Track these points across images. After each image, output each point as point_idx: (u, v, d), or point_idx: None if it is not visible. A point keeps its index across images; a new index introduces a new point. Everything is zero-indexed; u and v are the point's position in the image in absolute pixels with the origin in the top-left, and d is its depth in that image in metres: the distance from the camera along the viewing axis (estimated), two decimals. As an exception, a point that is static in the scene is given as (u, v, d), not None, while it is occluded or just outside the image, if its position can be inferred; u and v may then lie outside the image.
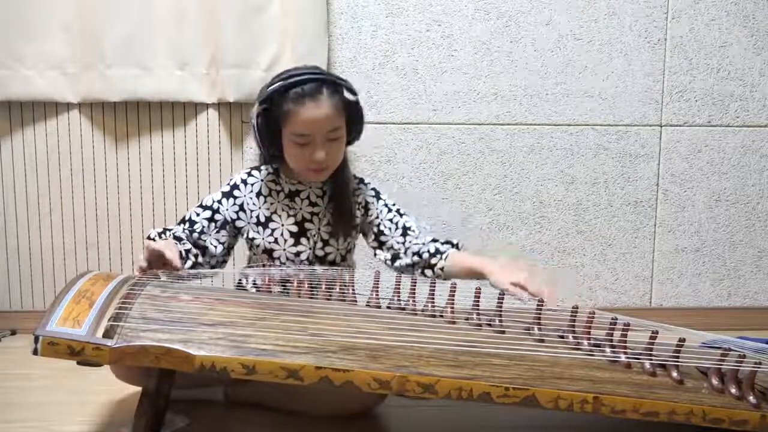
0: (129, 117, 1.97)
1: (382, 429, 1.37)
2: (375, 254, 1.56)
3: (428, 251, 1.48)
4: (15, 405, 1.45)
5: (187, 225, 1.47)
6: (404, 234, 1.52)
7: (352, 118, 1.45)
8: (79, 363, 1.00)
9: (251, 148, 1.98)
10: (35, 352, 0.98)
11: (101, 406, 1.44)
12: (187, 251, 1.40)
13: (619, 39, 2.03)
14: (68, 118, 1.96)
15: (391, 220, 1.54)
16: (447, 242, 1.50)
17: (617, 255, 2.12)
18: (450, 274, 1.47)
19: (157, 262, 1.29)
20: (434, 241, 1.51)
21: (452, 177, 2.05)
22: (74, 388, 1.53)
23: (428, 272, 1.49)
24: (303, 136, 1.39)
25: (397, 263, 1.52)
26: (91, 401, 1.45)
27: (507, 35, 2.01)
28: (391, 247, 1.53)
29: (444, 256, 1.46)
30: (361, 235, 1.60)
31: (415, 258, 1.49)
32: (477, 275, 1.41)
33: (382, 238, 1.54)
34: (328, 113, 1.38)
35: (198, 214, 1.48)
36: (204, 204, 1.50)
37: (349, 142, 1.50)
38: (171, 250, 1.29)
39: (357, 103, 1.45)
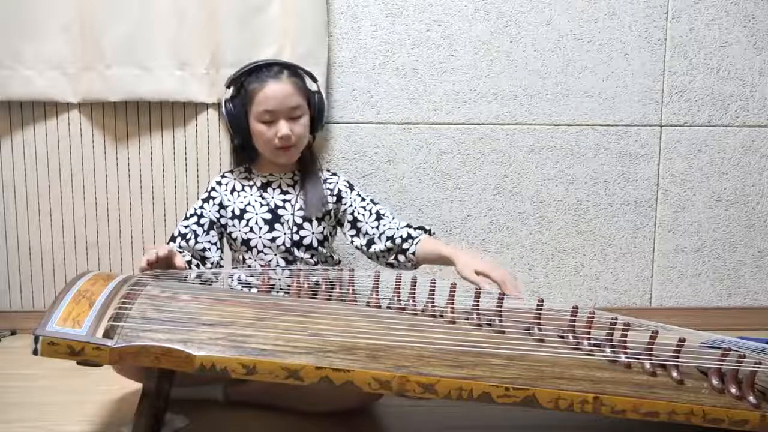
0: (129, 117, 1.97)
1: (382, 429, 1.37)
2: (352, 242, 1.62)
3: (401, 236, 1.54)
4: (15, 405, 1.45)
5: (179, 239, 1.53)
6: (378, 219, 1.59)
7: (312, 106, 1.57)
8: (79, 363, 1.00)
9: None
10: (35, 352, 0.98)
11: (101, 406, 1.44)
12: (188, 262, 1.47)
13: (619, 39, 2.03)
14: (68, 118, 1.96)
15: (364, 208, 1.61)
16: (420, 228, 1.57)
17: (617, 255, 2.11)
18: (421, 259, 1.54)
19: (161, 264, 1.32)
20: (408, 226, 1.57)
21: (452, 177, 2.05)
22: (74, 388, 1.53)
23: (401, 257, 1.56)
24: (268, 113, 1.50)
25: (372, 248, 1.58)
26: (91, 401, 1.45)
27: (507, 35, 2.01)
28: (366, 233, 1.59)
29: (416, 241, 1.53)
30: (338, 226, 1.65)
31: (389, 243, 1.55)
32: (445, 262, 1.46)
33: (358, 225, 1.60)
34: (289, 90, 1.52)
35: (186, 226, 1.55)
36: (188, 215, 1.57)
37: (312, 131, 1.60)
38: (177, 256, 1.37)
39: (318, 92, 1.60)
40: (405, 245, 1.54)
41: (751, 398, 1.10)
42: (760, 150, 2.10)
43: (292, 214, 1.56)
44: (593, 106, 2.05)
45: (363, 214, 1.60)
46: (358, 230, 1.60)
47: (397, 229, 1.57)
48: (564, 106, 2.04)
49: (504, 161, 2.05)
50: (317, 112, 1.58)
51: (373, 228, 1.58)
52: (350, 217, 1.61)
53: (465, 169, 2.05)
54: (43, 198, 1.99)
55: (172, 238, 1.54)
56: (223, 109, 1.56)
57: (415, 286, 1.29)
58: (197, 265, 1.50)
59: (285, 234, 1.55)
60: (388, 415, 1.40)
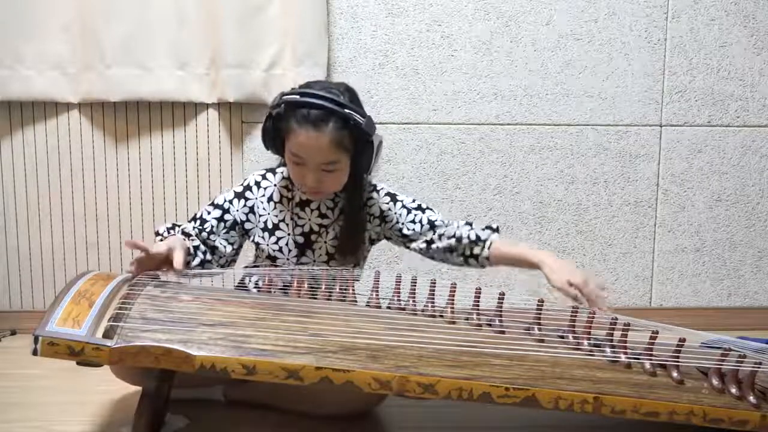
0: (129, 117, 1.97)
1: (382, 429, 1.37)
2: (408, 248, 1.51)
3: (468, 237, 1.43)
4: (15, 405, 1.45)
5: (198, 223, 1.44)
6: (432, 228, 1.47)
7: (362, 153, 1.37)
8: (79, 363, 1.00)
9: (251, 148, 1.98)
10: (35, 352, 0.98)
11: (101, 406, 1.44)
12: (196, 248, 1.38)
13: (619, 39, 2.03)
14: (68, 118, 1.96)
15: (413, 221, 1.48)
16: (487, 227, 1.45)
17: (617, 255, 2.11)
18: (497, 263, 1.43)
19: (160, 262, 1.29)
20: (469, 224, 1.46)
21: (452, 177, 2.05)
22: (74, 388, 1.53)
23: (471, 261, 1.44)
24: (298, 156, 1.35)
25: (433, 247, 1.47)
26: (91, 401, 1.45)
27: (507, 35, 2.01)
28: (423, 240, 1.48)
29: (487, 243, 1.42)
30: (385, 240, 1.55)
31: (452, 242, 1.44)
32: (528, 266, 1.38)
33: (411, 238, 1.49)
34: (324, 145, 1.32)
35: (209, 213, 1.45)
36: (216, 203, 1.47)
37: (361, 172, 1.42)
38: (178, 250, 1.28)
39: (370, 141, 1.36)
40: (476, 249, 1.42)
41: (752, 398, 1.10)
42: (760, 150, 2.10)
43: (326, 242, 1.47)
44: (593, 106, 2.05)
45: (413, 229, 1.47)
46: (412, 241, 1.49)
47: (457, 228, 1.45)
48: (564, 106, 2.04)
49: (504, 161, 2.05)
50: (364, 162, 1.38)
51: (428, 236, 1.47)
52: (398, 233, 1.49)
53: (465, 169, 2.05)
54: (43, 198, 1.99)
55: (193, 218, 1.46)
56: (263, 123, 1.39)
57: (415, 286, 1.29)
58: (204, 253, 1.41)
59: (314, 262, 1.46)
60: (388, 415, 1.40)
